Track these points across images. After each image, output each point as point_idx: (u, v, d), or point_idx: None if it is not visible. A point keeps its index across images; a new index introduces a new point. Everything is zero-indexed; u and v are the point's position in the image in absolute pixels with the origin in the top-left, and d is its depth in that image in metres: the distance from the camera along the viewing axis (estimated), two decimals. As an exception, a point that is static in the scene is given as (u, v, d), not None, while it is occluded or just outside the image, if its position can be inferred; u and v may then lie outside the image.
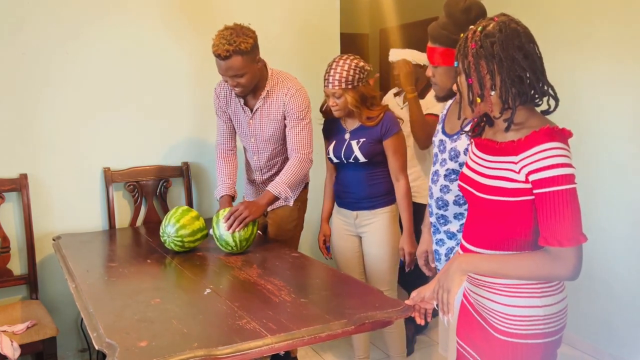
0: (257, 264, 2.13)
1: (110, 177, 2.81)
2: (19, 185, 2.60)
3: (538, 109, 1.40)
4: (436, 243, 1.92)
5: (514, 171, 1.32)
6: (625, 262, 2.79)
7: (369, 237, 2.44)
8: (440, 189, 1.83)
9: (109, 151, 2.82)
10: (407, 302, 1.63)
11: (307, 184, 2.67)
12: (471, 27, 1.37)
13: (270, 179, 2.59)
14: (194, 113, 3.02)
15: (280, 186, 2.35)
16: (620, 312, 2.83)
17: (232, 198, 2.53)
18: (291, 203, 2.51)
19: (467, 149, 1.73)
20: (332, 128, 2.47)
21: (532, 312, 1.37)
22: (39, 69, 2.62)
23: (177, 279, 2.06)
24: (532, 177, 1.28)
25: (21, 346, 2.11)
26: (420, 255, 2.10)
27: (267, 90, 2.41)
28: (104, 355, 1.41)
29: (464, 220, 1.80)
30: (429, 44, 1.78)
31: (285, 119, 2.45)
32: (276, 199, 2.37)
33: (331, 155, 2.42)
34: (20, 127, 2.61)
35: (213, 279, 2.00)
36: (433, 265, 2.04)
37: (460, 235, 1.81)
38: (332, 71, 2.27)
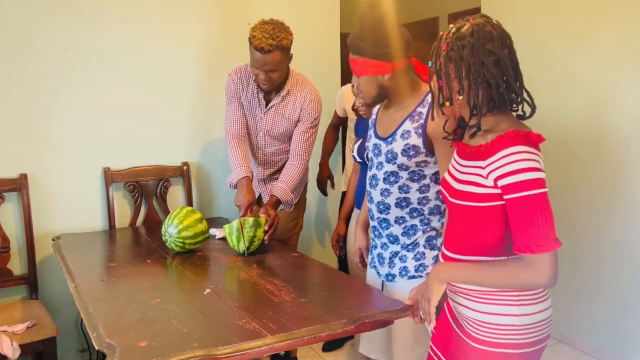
0: (257, 264, 2.13)
1: (110, 177, 2.81)
2: (19, 185, 2.60)
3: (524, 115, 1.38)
4: (381, 247, 1.92)
5: (482, 176, 1.29)
6: (625, 262, 2.79)
7: None
8: (381, 193, 1.84)
9: (109, 151, 2.82)
10: (406, 301, 1.63)
11: (306, 185, 2.68)
12: (450, 25, 1.36)
13: (271, 176, 2.62)
14: (194, 113, 3.02)
15: (287, 195, 2.41)
16: (621, 312, 2.83)
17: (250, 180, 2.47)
18: (291, 209, 2.52)
19: (404, 150, 1.74)
20: (362, 127, 2.45)
21: (508, 320, 1.33)
22: (39, 69, 2.62)
23: (177, 279, 2.06)
24: (500, 183, 1.25)
25: (21, 346, 2.11)
26: (355, 253, 2.15)
27: (288, 90, 2.43)
28: (104, 356, 1.41)
29: (405, 225, 1.82)
30: (350, 56, 1.80)
31: (298, 121, 2.47)
32: (279, 202, 2.40)
33: (355, 153, 2.38)
34: (20, 127, 2.61)
35: (213, 279, 2.00)
36: (367, 261, 2.06)
37: (403, 240, 1.83)
38: None
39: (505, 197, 1.25)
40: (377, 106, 1.93)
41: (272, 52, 2.21)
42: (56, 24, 2.64)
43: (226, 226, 2.22)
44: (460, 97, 1.32)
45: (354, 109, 2.52)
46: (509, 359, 1.34)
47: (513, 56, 1.31)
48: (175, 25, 2.91)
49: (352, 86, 1.94)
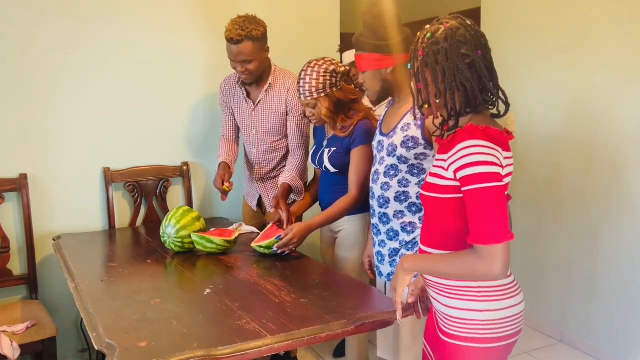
0: (257, 264, 2.13)
1: (110, 177, 2.81)
2: (19, 185, 2.60)
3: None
4: (379, 244, 1.93)
5: (444, 169, 1.33)
6: (624, 262, 2.79)
7: (340, 241, 2.35)
8: (381, 187, 1.86)
9: (109, 151, 2.82)
10: (408, 300, 1.63)
11: (305, 183, 2.68)
12: (426, 27, 1.38)
13: (268, 174, 2.66)
14: (194, 113, 3.01)
15: (296, 180, 2.45)
16: (621, 312, 2.83)
17: (229, 167, 2.60)
18: (301, 197, 2.53)
19: (403, 142, 1.78)
20: (319, 132, 2.43)
21: (471, 315, 1.35)
22: (39, 69, 2.62)
23: (177, 279, 2.06)
24: (458, 175, 1.28)
25: (21, 346, 2.11)
26: (364, 260, 2.17)
27: (270, 83, 2.50)
28: (104, 356, 1.41)
29: (404, 219, 1.85)
30: (355, 53, 1.88)
31: (287, 114, 2.52)
32: (290, 189, 2.43)
33: (309, 158, 2.43)
34: (20, 127, 2.61)
35: (213, 279, 2.00)
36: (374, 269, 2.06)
37: (403, 237, 1.86)
38: (301, 81, 2.16)
39: (462, 188, 1.28)
40: (385, 104, 1.96)
41: (242, 42, 2.31)
42: (56, 24, 2.64)
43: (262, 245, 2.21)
44: (438, 101, 1.35)
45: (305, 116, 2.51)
46: (474, 353, 1.36)
47: (488, 56, 1.34)
48: (176, 26, 2.91)
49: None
